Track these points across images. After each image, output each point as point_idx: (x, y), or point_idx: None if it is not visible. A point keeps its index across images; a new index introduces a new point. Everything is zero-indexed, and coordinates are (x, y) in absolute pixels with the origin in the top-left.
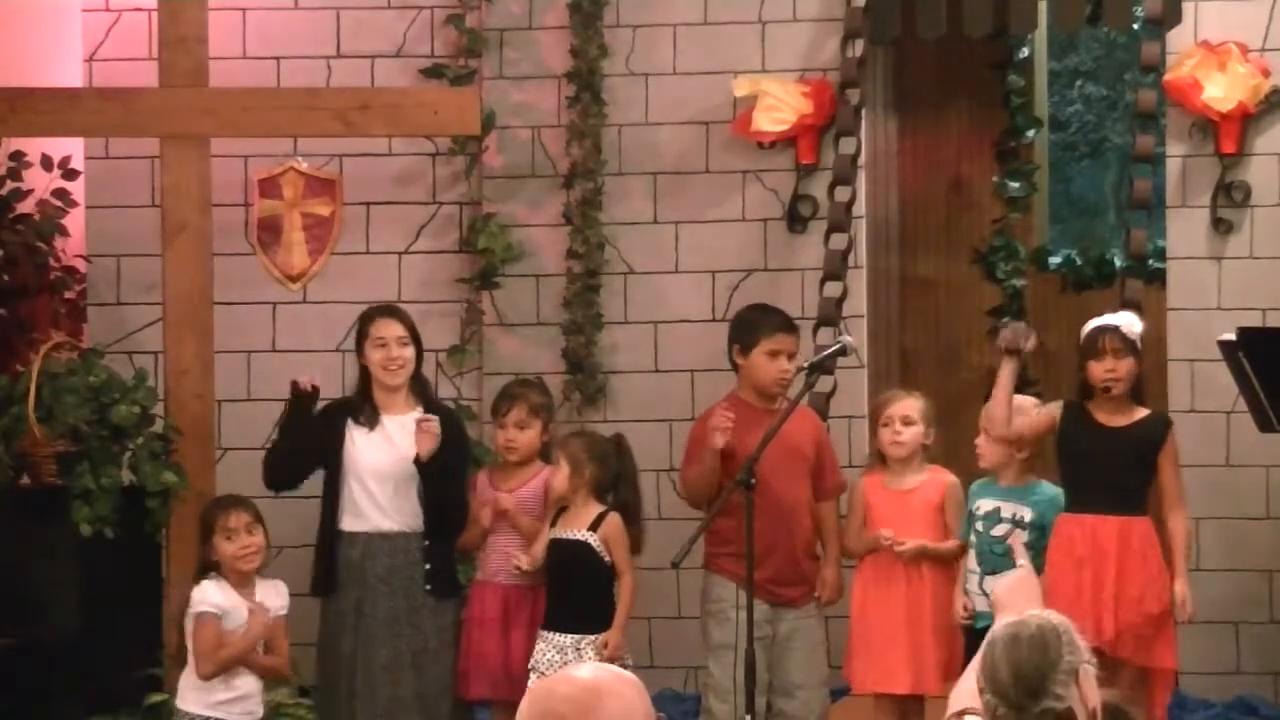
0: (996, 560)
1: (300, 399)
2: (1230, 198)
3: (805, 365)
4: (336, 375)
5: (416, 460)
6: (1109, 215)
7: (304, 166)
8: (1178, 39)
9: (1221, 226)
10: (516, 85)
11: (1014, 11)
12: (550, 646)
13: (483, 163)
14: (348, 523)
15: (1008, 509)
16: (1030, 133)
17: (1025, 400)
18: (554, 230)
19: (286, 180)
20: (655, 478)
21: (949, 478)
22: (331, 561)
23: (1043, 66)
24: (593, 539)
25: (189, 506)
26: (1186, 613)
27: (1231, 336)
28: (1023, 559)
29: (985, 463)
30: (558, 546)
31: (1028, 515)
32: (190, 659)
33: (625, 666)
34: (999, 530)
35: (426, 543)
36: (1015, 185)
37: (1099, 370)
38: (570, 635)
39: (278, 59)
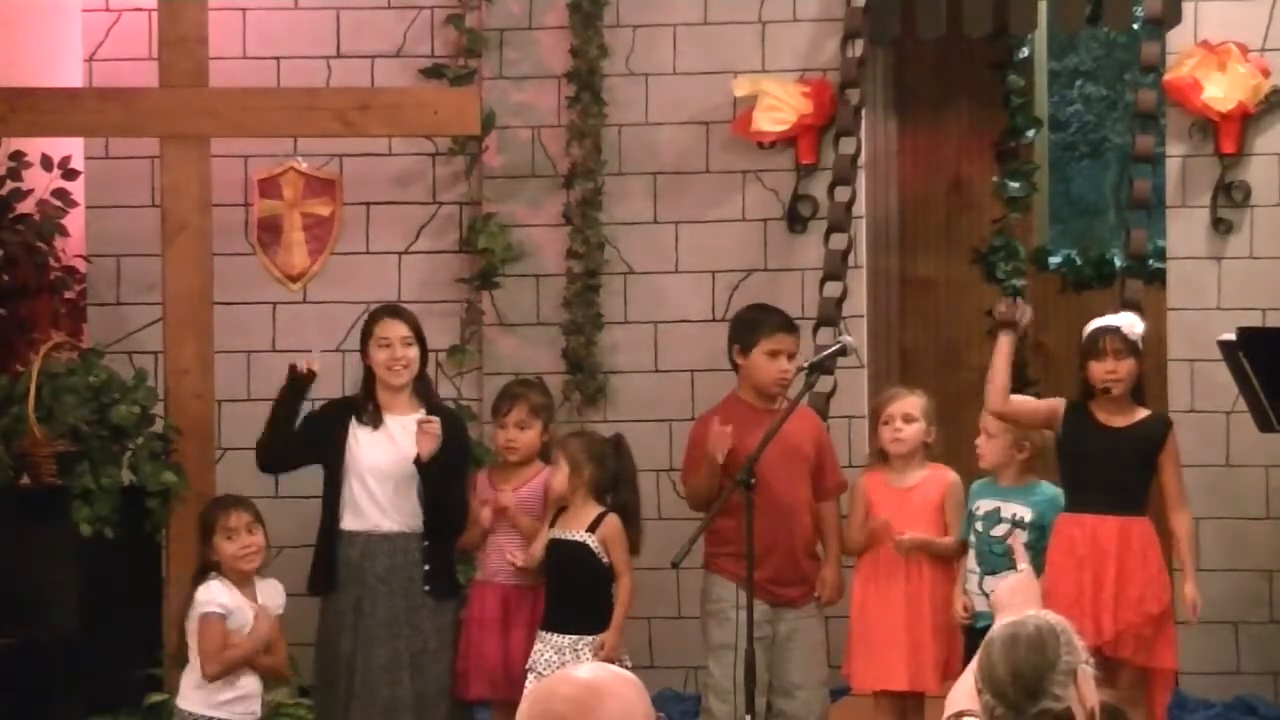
0: (996, 560)
1: (297, 382)
2: (1230, 198)
3: (805, 365)
4: (336, 375)
5: (417, 461)
6: (1109, 215)
7: (304, 166)
8: (1178, 39)
9: (1221, 226)
10: (516, 85)
11: (1014, 11)
12: (548, 647)
13: (483, 163)
14: (348, 521)
15: (1007, 509)
16: (1030, 133)
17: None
18: (554, 230)
19: (286, 180)
20: (655, 478)
21: (950, 475)
22: (331, 560)
23: (1043, 66)
24: (591, 540)
25: (189, 506)
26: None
27: (1231, 336)
28: (1024, 561)
29: (985, 463)
30: (556, 547)
31: (1027, 515)
32: (192, 658)
33: (624, 667)
34: (999, 530)
35: (426, 543)
36: (1015, 185)
37: (1099, 371)
38: (568, 636)
39: (278, 59)
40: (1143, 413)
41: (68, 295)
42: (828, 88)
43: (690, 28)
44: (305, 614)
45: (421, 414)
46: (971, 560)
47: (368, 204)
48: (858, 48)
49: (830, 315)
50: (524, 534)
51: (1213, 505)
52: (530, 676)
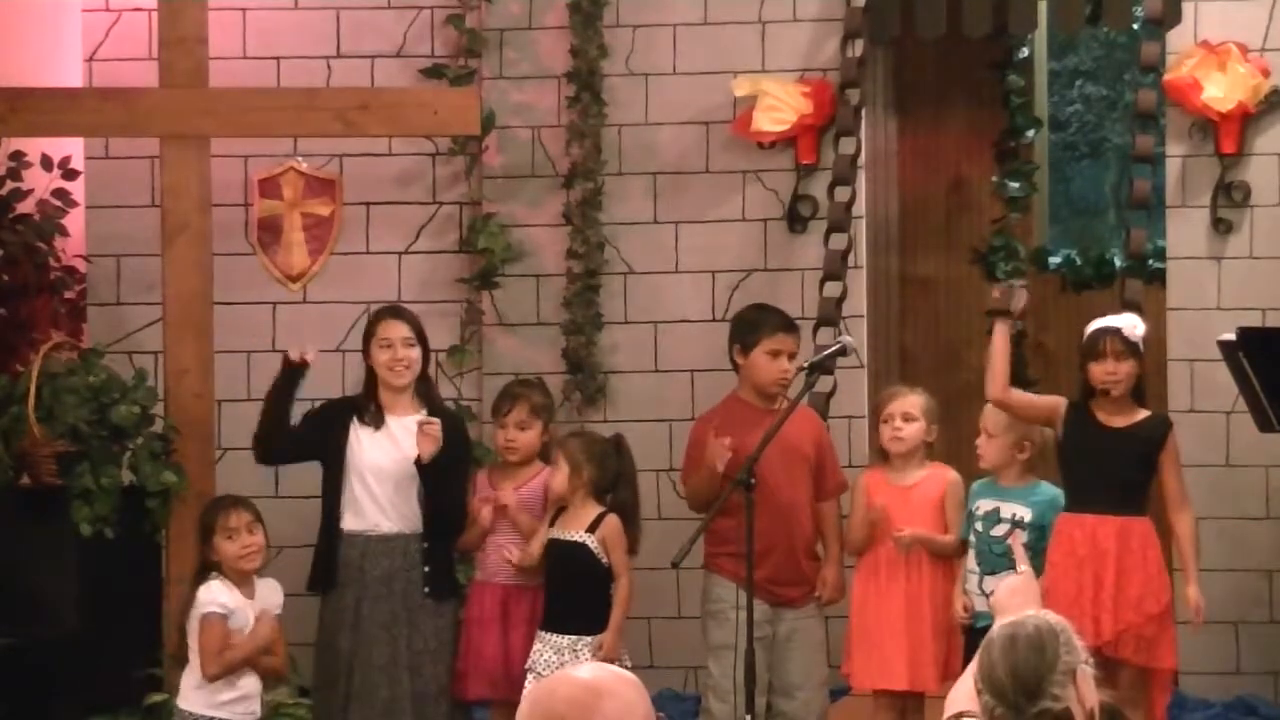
0: (996, 560)
1: (290, 371)
2: (1230, 198)
3: (805, 365)
4: (336, 375)
5: (417, 462)
6: (1109, 215)
7: (304, 166)
8: (1178, 39)
9: (1221, 226)
10: (516, 85)
11: (1014, 11)
12: (548, 647)
13: (483, 163)
14: (348, 521)
15: (1007, 509)
16: (1030, 133)
17: None
18: (554, 230)
19: (286, 180)
20: (655, 478)
21: (950, 474)
22: (331, 559)
23: (1042, 66)
24: (591, 540)
25: (189, 506)
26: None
27: (1231, 336)
28: (1023, 562)
29: (985, 463)
30: (556, 547)
31: (1027, 515)
32: (192, 658)
33: (624, 667)
34: (999, 530)
35: (425, 545)
36: (1015, 185)
37: (1099, 372)
38: (568, 636)
39: (278, 59)
40: (1143, 413)
41: (68, 295)
42: (828, 88)
43: (690, 28)
44: (305, 614)
45: (423, 414)
46: (971, 560)
47: (368, 204)
48: (858, 48)
49: (830, 315)
50: (524, 532)
51: (1213, 505)
52: (530, 677)
